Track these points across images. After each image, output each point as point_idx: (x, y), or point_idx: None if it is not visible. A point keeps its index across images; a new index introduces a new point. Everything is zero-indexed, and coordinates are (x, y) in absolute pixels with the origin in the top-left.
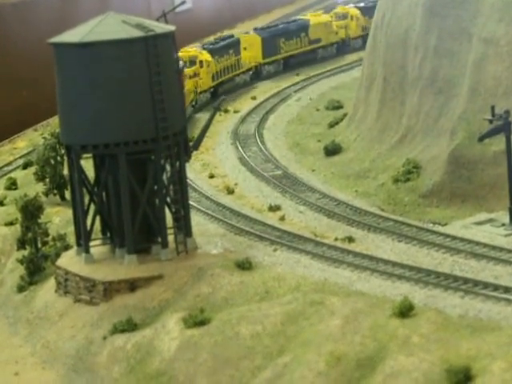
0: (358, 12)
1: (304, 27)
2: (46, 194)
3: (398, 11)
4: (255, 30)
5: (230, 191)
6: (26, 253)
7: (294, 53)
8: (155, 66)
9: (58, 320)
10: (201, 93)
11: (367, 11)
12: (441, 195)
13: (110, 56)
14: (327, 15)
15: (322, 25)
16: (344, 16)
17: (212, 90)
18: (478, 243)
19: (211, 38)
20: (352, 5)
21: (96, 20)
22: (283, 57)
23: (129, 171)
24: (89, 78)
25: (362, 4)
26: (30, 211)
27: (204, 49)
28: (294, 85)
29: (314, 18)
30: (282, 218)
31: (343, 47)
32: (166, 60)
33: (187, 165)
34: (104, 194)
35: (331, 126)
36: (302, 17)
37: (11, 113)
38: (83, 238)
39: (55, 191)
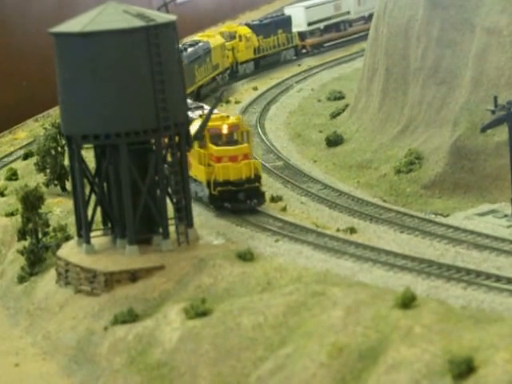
0: (248, 31)
1: (208, 51)
2: (47, 185)
3: (400, 1)
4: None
5: None
6: (26, 243)
7: (203, 82)
8: (156, 56)
9: (59, 311)
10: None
11: (261, 30)
12: (443, 186)
13: (110, 46)
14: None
15: (219, 47)
16: (232, 36)
17: None
18: (480, 234)
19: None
20: (243, 22)
21: (97, 10)
22: (198, 86)
23: (130, 161)
24: (90, 68)
25: (254, 21)
26: (31, 202)
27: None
28: (295, 75)
29: (213, 39)
30: (284, 209)
31: (232, 73)
32: (168, 50)
33: None
34: (105, 184)
35: (333, 116)
36: (202, 38)
37: (12, 104)
38: (84, 229)
39: (56, 182)
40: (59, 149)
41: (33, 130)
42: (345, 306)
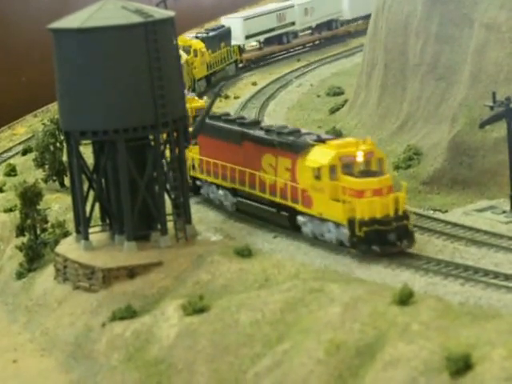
0: (202, 45)
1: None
2: (46, 181)
3: None
4: None
5: None
6: (25, 240)
7: None
8: (155, 52)
9: (57, 307)
10: None
11: (209, 43)
12: (441, 182)
13: (109, 42)
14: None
15: (185, 64)
16: (186, 50)
17: None
18: (478, 230)
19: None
20: (193, 35)
21: (96, 5)
22: None
23: (128, 158)
24: (88, 64)
25: (205, 33)
26: (29, 198)
27: None
28: (294, 71)
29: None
30: None
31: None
32: (166, 46)
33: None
34: (103, 180)
35: (332, 112)
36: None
37: (10, 98)
38: (82, 225)
39: (54, 178)
40: (58, 145)
41: (32, 126)
42: (342, 302)
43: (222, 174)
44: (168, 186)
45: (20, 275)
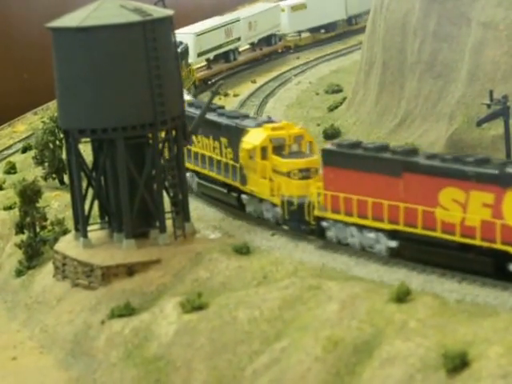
0: None
1: None
2: (45, 178)
3: None
4: None
5: None
6: (24, 237)
7: None
8: (153, 51)
9: (56, 304)
10: None
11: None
12: None
13: (107, 40)
14: None
15: None
16: None
17: None
18: None
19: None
20: None
21: (94, 4)
22: None
23: (127, 156)
24: (87, 63)
25: None
26: (29, 195)
27: None
28: (293, 68)
29: None
30: None
31: None
32: (164, 44)
33: None
34: (102, 178)
35: (331, 109)
36: None
37: (12, 95)
38: (81, 223)
39: (54, 175)
40: (57, 142)
41: (32, 123)
42: (340, 300)
43: (374, 212)
44: (166, 184)
45: (19, 273)
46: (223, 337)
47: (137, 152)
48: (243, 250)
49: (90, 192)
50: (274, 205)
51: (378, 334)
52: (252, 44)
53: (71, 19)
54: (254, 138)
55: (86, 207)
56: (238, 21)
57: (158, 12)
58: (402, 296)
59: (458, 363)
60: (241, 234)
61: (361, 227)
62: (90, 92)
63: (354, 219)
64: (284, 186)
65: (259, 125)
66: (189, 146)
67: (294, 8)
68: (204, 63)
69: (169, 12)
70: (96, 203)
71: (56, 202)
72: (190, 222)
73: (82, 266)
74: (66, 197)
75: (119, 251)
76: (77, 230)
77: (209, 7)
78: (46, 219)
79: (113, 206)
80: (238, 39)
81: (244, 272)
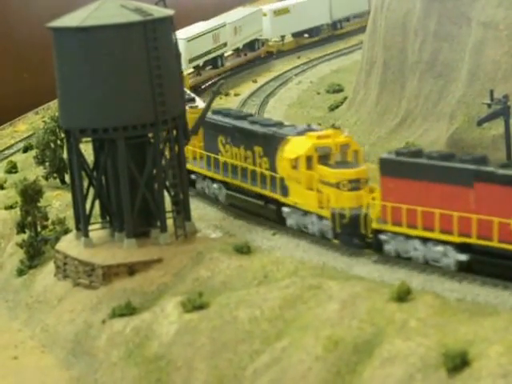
0: None
1: None
2: (46, 178)
3: None
4: None
5: None
6: (25, 237)
7: None
8: (154, 51)
9: (57, 304)
10: None
11: None
12: None
13: (108, 40)
14: None
15: None
16: None
17: None
18: None
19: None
20: None
21: (95, 4)
22: None
23: (128, 155)
24: (87, 63)
25: None
26: (30, 195)
27: None
28: (294, 68)
29: None
30: None
31: None
32: (165, 44)
33: None
34: (103, 177)
35: (331, 109)
36: None
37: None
38: (82, 222)
39: (55, 175)
40: (58, 142)
41: (33, 123)
42: (341, 299)
43: (442, 224)
44: (167, 183)
45: (20, 272)
46: (224, 336)
47: (138, 152)
48: (244, 250)
49: (91, 191)
50: (321, 217)
51: (379, 333)
52: (237, 49)
53: (72, 19)
54: (297, 146)
55: (87, 207)
56: (225, 26)
57: (159, 12)
58: (403, 295)
59: (459, 362)
60: (242, 233)
61: (426, 240)
62: (90, 92)
63: (419, 232)
64: (333, 198)
65: (301, 133)
66: (217, 156)
67: (277, 12)
68: (193, 70)
69: (169, 12)
70: (97, 203)
71: (57, 202)
72: (190, 222)
73: (83, 265)
74: (67, 196)
75: (120, 250)
76: (78, 229)
77: (210, 7)
78: (47, 219)
79: (114, 205)
80: (225, 45)
81: (245, 271)
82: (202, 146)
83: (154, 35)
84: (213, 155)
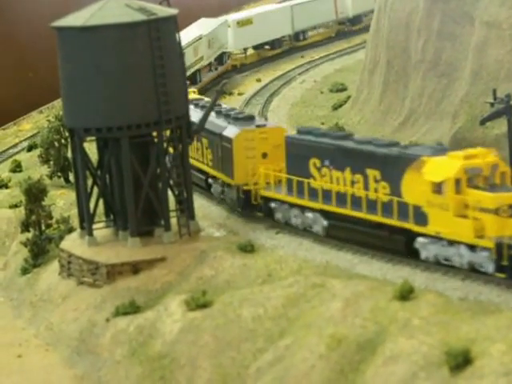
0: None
1: None
2: (51, 177)
3: None
4: None
5: None
6: (29, 235)
7: None
8: (158, 50)
9: (62, 302)
10: None
11: None
12: None
13: (112, 40)
14: None
15: None
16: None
17: None
18: None
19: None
20: None
21: (99, 4)
22: None
23: (132, 154)
24: (91, 62)
25: None
26: (34, 194)
27: None
28: (298, 67)
29: None
30: None
31: None
32: (169, 44)
33: None
34: (107, 176)
35: (335, 108)
36: None
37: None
38: (86, 221)
39: (59, 174)
40: (63, 141)
41: (37, 122)
42: (344, 297)
43: None
44: (171, 182)
45: (25, 271)
46: (227, 335)
47: (142, 151)
48: (248, 248)
49: (95, 190)
50: (472, 248)
51: (382, 331)
52: (209, 64)
53: (76, 18)
54: (440, 168)
55: (92, 205)
56: (201, 38)
57: (163, 11)
58: (406, 294)
59: (461, 361)
60: (245, 232)
61: None
62: (94, 91)
63: None
64: (492, 226)
65: (439, 152)
66: (311, 181)
67: (240, 23)
68: None
69: (173, 11)
70: (101, 201)
71: (61, 201)
72: (194, 221)
73: (87, 264)
74: (71, 195)
75: (124, 249)
76: (82, 228)
77: (214, 7)
78: (51, 217)
79: (118, 204)
80: (202, 58)
81: (248, 270)
82: (284, 169)
83: (157, 35)
84: (305, 180)
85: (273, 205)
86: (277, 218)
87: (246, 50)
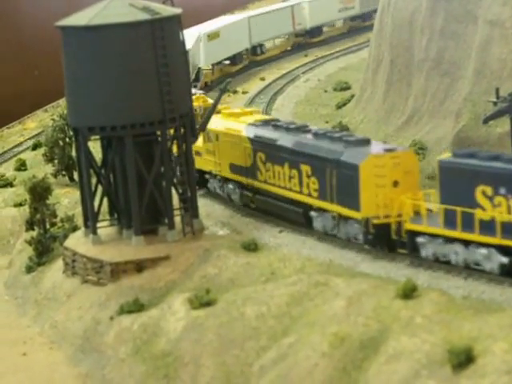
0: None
1: None
2: (55, 175)
3: None
4: None
5: None
6: (34, 234)
7: None
8: (162, 49)
9: (66, 301)
10: None
11: None
12: None
13: (116, 39)
14: None
15: None
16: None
17: None
18: None
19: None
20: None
21: (103, 3)
22: None
23: (136, 153)
24: (95, 61)
25: None
26: (39, 192)
27: None
28: (302, 66)
29: None
30: None
31: None
32: (173, 43)
33: None
34: (111, 175)
35: (339, 107)
36: None
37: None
38: (90, 220)
39: (64, 172)
40: (67, 140)
41: (42, 121)
42: (347, 296)
43: None
44: (175, 181)
45: (29, 269)
46: (231, 333)
47: (145, 149)
48: (251, 247)
49: (100, 189)
50: None
51: (385, 330)
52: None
53: (80, 18)
54: None
55: (96, 204)
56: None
57: (167, 10)
58: (409, 292)
59: (464, 359)
60: (249, 230)
61: None
62: (98, 90)
63: None
64: None
65: None
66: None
67: (210, 36)
68: None
69: (177, 10)
70: (105, 200)
71: (66, 199)
72: (198, 219)
73: (91, 262)
74: (75, 194)
75: (128, 248)
76: (86, 226)
77: (219, 6)
78: (55, 216)
79: (122, 202)
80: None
81: (252, 268)
82: (439, 197)
83: (161, 34)
84: (474, 211)
85: (420, 239)
86: (425, 254)
87: (213, 65)
